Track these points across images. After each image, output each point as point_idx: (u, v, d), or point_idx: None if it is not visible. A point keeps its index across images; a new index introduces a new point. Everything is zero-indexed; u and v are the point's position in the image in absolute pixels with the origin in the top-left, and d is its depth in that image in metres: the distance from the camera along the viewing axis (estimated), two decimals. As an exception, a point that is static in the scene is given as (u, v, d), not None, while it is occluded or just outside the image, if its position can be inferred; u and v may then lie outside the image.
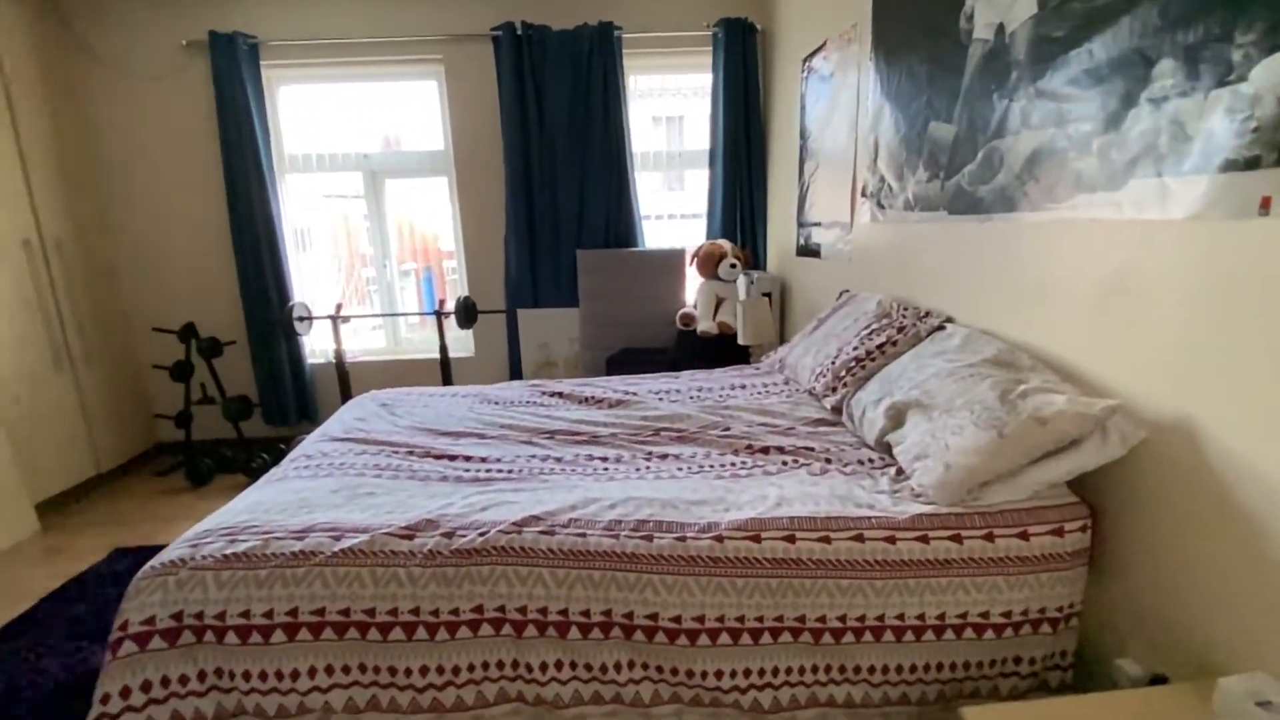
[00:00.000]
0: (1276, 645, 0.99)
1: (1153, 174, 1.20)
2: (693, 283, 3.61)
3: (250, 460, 3.34)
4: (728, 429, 1.88)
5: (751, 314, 3.04)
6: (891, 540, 1.25)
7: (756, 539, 1.24)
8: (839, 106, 2.60)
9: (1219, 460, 1.08)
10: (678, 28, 3.53)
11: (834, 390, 1.96)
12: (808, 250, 3.04)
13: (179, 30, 3.38)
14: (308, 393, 3.82)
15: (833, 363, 2.04)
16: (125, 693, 1.13)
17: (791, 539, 1.24)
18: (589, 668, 1.22)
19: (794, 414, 1.97)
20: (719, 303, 3.42)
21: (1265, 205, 1.00)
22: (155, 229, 3.61)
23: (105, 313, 3.49)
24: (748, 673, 1.23)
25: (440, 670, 1.19)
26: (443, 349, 3.44)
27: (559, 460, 1.71)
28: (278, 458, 3.34)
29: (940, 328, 1.84)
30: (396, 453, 1.74)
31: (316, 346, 3.88)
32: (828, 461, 1.61)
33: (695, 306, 3.50)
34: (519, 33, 3.43)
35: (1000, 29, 1.61)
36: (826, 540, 1.24)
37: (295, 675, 1.17)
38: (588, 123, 3.54)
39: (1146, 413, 1.22)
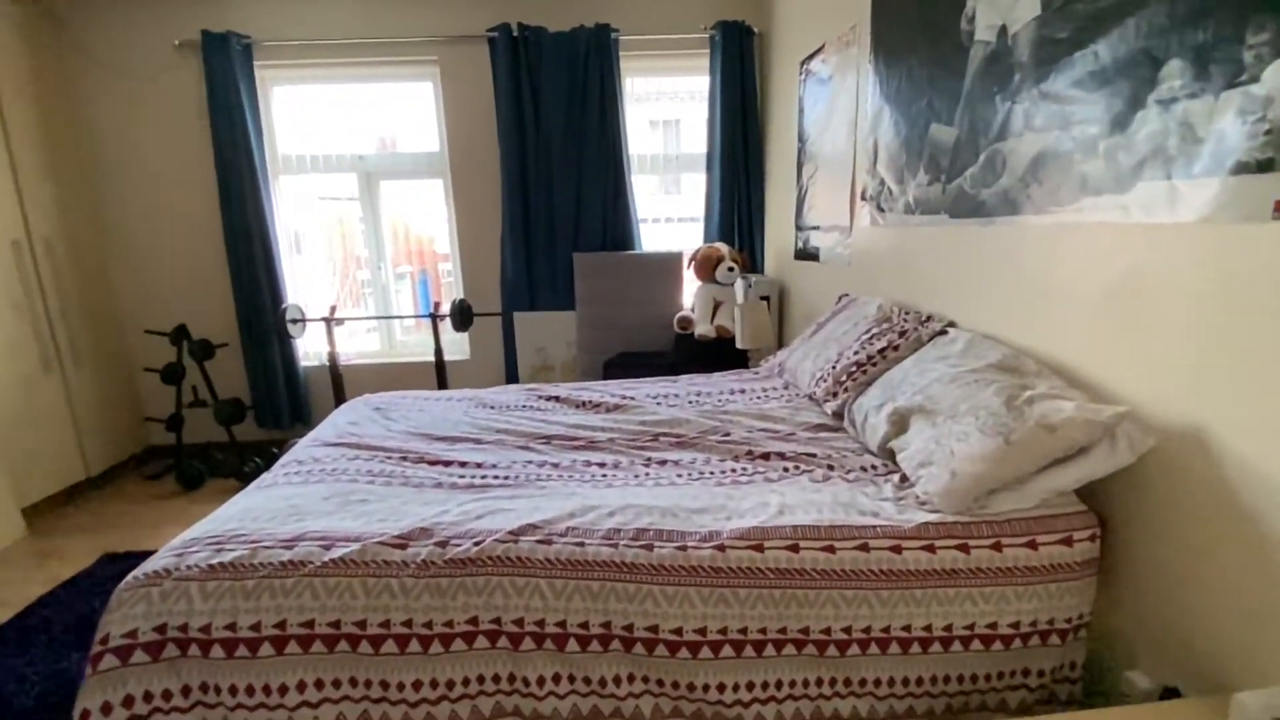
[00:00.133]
0: (1294, 659, 0.97)
1: (1161, 176, 1.18)
2: (690, 286, 3.58)
3: (242, 464, 3.30)
4: (727, 434, 1.85)
5: (750, 318, 3.01)
6: (897, 550, 1.22)
7: (759, 548, 1.21)
8: (838, 109, 2.58)
9: (1231, 468, 1.05)
10: (675, 30, 3.51)
11: (835, 395, 1.93)
12: (806, 254, 3.02)
13: (171, 30, 3.34)
14: (301, 396, 3.77)
15: (833, 367, 2.01)
16: (106, 709, 1.09)
17: (795, 548, 1.22)
18: (588, 681, 1.18)
19: (794, 419, 1.95)
20: (717, 306, 3.40)
21: (1279, 209, 0.98)
22: (147, 230, 3.56)
23: (96, 314, 3.44)
24: (750, 686, 1.20)
25: (434, 684, 1.16)
26: (438, 352, 3.41)
27: (556, 466, 1.68)
28: (270, 461, 3.30)
29: (942, 332, 1.82)
30: (390, 458, 1.71)
31: (310, 349, 3.84)
32: (830, 468, 1.58)
33: (693, 310, 3.48)
34: (515, 34, 3.41)
35: (1002, 30, 1.59)
36: (831, 550, 1.22)
37: (284, 690, 1.13)
38: (584, 125, 3.52)
39: (1155, 419, 1.20)
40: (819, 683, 1.22)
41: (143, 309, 3.61)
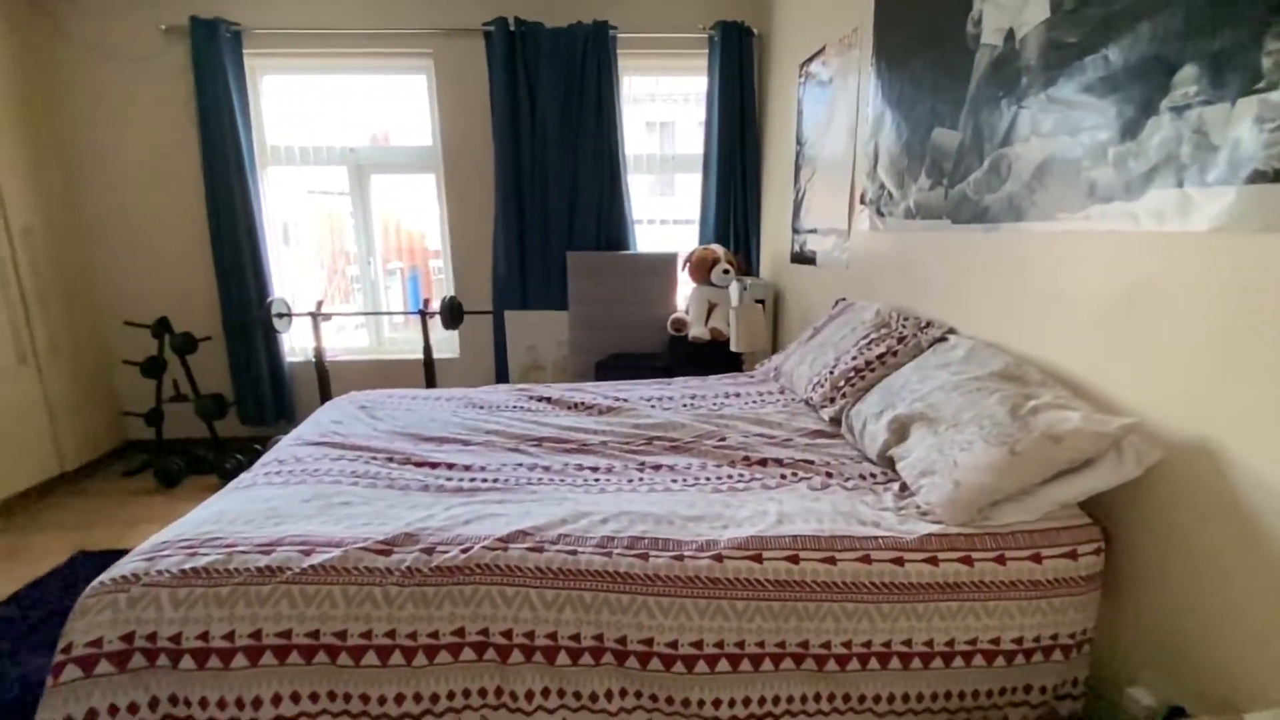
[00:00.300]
0: (1307, 681, 0.95)
1: (1173, 184, 1.15)
2: (685, 288, 3.54)
3: (224, 461, 3.22)
4: (723, 439, 1.81)
5: (745, 320, 2.98)
6: (899, 562, 1.18)
7: (758, 559, 1.17)
8: (838, 112, 2.55)
9: (1242, 482, 1.03)
10: (673, 29, 3.48)
11: (832, 401, 1.90)
12: (802, 257, 2.99)
13: (158, 14, 3.26)
14: (286, 392, 3.70)
15: (830, 372, 1.98)
16: (68, 722, 1.03)
17: (795, 559, 1.18)
18: (578, 696, 1.14)
19: (791, 424, 1.91)
20: (711, 308, 3.36)
21: (1297, 218, 0.95)
22: (129, 219, 3.47)
23: (74, 305, 3.35)
24: (747, 701, 1.16)
25: (418, 698, 1.11)
26: (427, 350, 3.34)
27: (547, 469, 1.63)
28: (253, 459, 3.22)
29: (942, 339, 1.79)
30: (375, 459, 1.65)
31: (296, 344, 3.77)
32: (828, 475, 1.55)
33: (687, 312, 3.44)
34: (512, 28, 3.36)
35: (1010, 34, 1.57)
36: (831, 561, 1.18)
37: (258, 703, 1.08)
38: (580, 123, 3.47)
39: (1163, 432, 1.17)
40: (817, 699, 1.18)
41: (123, 300, 3.51)
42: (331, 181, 3.82)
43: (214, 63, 3.25)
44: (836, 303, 2.48)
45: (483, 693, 1.12)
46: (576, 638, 1.12)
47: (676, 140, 4.02)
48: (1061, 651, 1.23)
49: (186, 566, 1.11)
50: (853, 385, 1.86)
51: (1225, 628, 1.07)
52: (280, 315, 3.20)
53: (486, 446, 1.79)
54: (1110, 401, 1.29)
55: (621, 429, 1.91)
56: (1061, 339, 1.43)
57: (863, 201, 2.34)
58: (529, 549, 1.18)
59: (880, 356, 1.87)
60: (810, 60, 2.83)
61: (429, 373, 3.36)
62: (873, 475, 1.55)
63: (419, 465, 1.63)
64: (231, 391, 3.62)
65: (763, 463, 1.64)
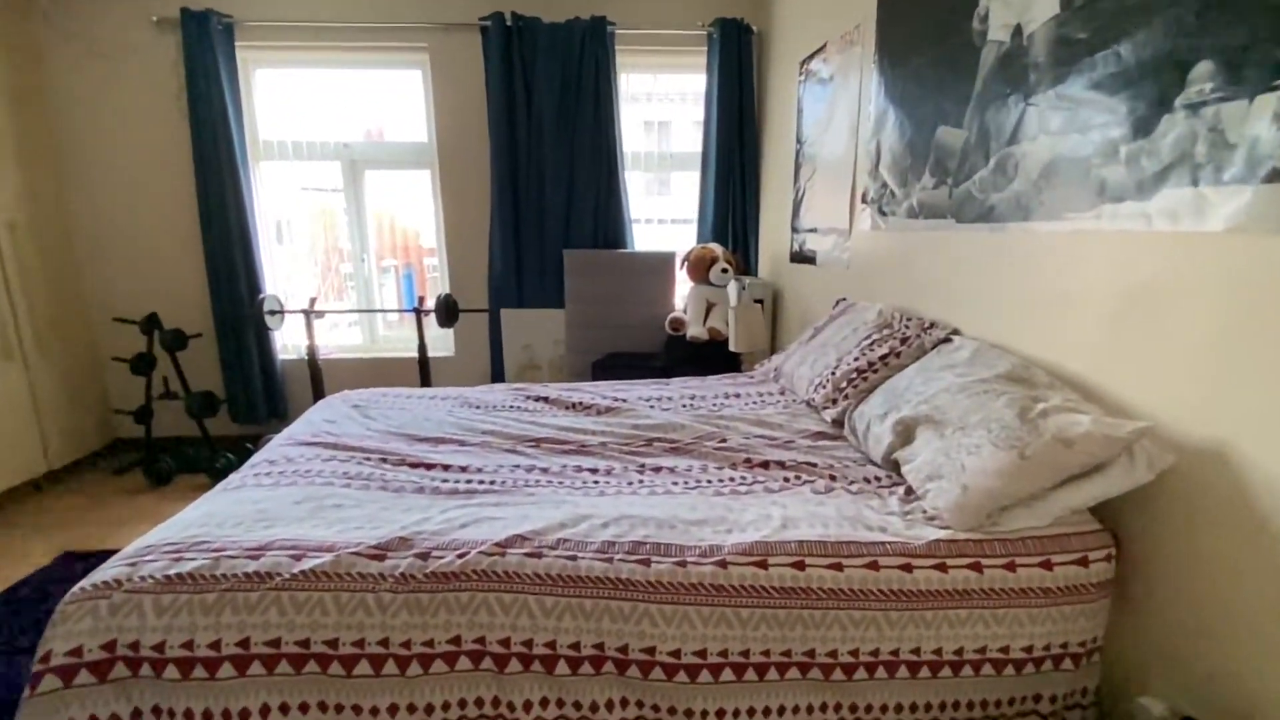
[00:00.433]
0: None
1: (1188, 183, 1.13)
2: (682, 287, 3.51)
3: (214, 460, 3.16)
4: (724, 441, 1.78)
5: (744, 320, 2.95)
6: (908, 568, 1.16)
7: (763, 565, 1.14)
8: (839, 110, 2.53)
9: (1257, 486, 1.01)
10: (672, 26, 3.44)
11: (834, 402, 1.87)
12: (802, 257, 2.97)
13: (149, 6, 3.19)
14: (278, 390, 3.64)
15: (832, 373, 1.95)
16: (46, 734, 0.99)
17: (800, 565, 1.15)
18: (578, 706, 1.10)
19: (793, 426, 1.88)
20: (709, 308, 3.33)
21: (1319, 219, 0.93)
22: (118, 213, 3.41)
23: (61, 300, 3.29)
24: (751, 712, 1.13)
25: (412, 709, 1.07)
26: (421, 348, 3.30)
27: (545, 471, 1.60)
28: (244, 458, 3.17)
29: (946, 340, 1.77)
30: (368, 460, 1.61)
31: (289, 342, 3.71)
32: (832, 479, 1.52)
33: (685, 311, 3.41)
34: (509, 24, 3.31)
35: (1017, 30, 1.54)
36: (838, 567, 1.15)
37: (245, 715, 1.04)
38: (578, 119, 3.43)
39: (1175, 436, 1.15)
40: (823, 709, 1.15)
41: (112, 296, 3.45)
42: (325, 178, 3.77)
43: (205, 55, 3.19)
44: (837, 303, 2.45)
45: (479, 703, 1.09)
46: (576, 646, 1.09)
47: (672, 140, 3.99)
48: (1072, 660, 1.21)
49: (171, 572, 1.07)
50: (855, 387, 1.84)
51: (1238, 635, 1.05)
52: (272, 312, 3.15)
53: (483, 447, 1.75)
54: (1119, 404, 1.26)
55: (621, 430, 1.88)
56: (1069, 340, 1.41)
57: (864, 200, 2.32)
58: (527, 554, 1.14)
59: (883, 358, 1.84)
60: (811, 58, 2.81)
61: (423, 371, 3.32)
62: (877, 479, 1.52)
63: (414, 466, 1.59)
64: (223, 389, 3.57)
65: (765, 465, 1.61)
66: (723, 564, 1.14)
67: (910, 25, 2.03)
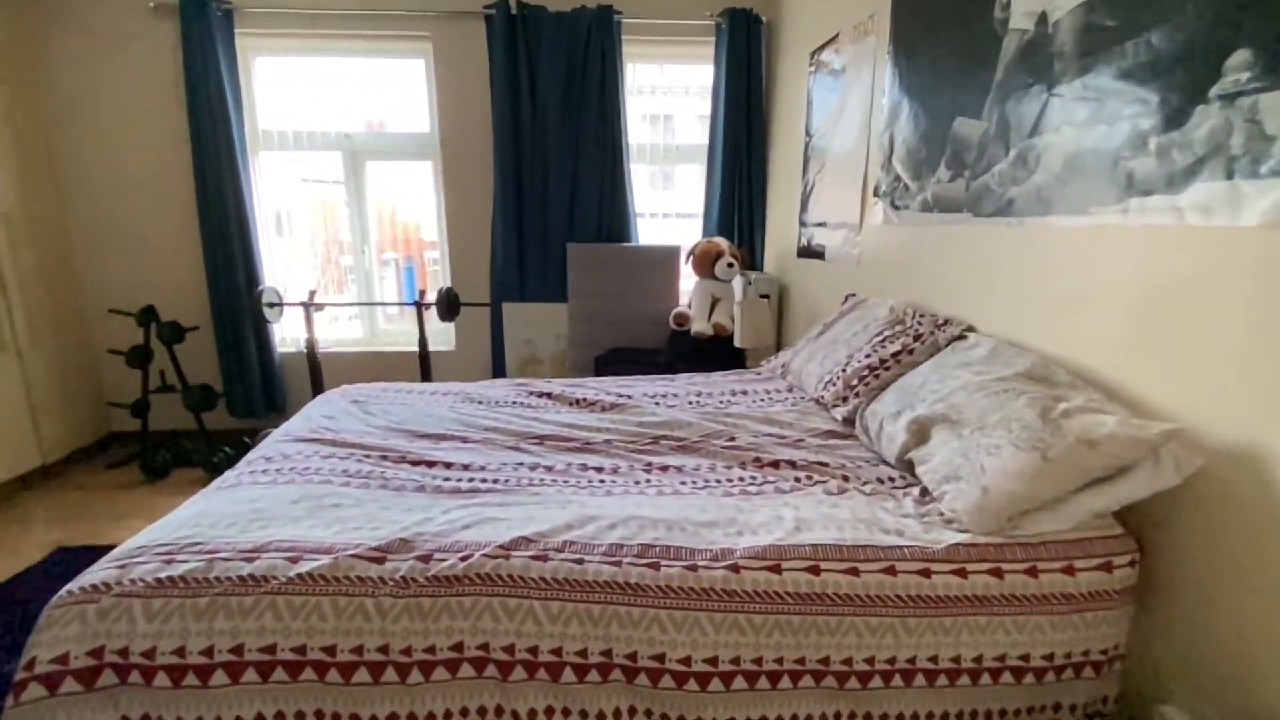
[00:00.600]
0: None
1: (1221, 176, 1.08)
2: (687, 282, 3.46)
3: (212, 454, 3.12)
4: (732, 439, 1.73)
5: (749, 316, 2.91)
6: (926, 573, 1.12)
7: (776, 569, 1.10)
8: (851, 102, 2.47)
9: (1288, 492, 0.97)
10: (679, 16, 3.38)
11: (845, 400, 1.83)
12: (810, 251, 2.92)
13: (146, -9, 3.14)
14: (276, 384, 3.60)
15: (843, 370, 1.91)
16: (31, 743, 0.95)
17: (815, 570, 1.11)
18: (584, 715, 1.06)
19: (802, 424, 1.84)
20: (714, 303, 3.28)
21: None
22: (115, 203, 3.35)
23: (57, 291, 3.23)
24: (764, 721, 1.09)
25: (412, 718, 1.03)
26: (422, 342, 3.26)
27: (550, 470, 1.56)
28: (242, 452, 3.13)
29: (961, 337, 1.72)
30: (368, 457, 1.57)
31: (288, 335, 3.67)
32: (845, 479, 1.48)
33: (690, 306, 3.36)
34: (513, 12, 3.25)
35: (1042, 18, 1.49)
36: (854, 572, 1.11)
37: (239, 723, 1.00)
38: (582, 111, 3.38)
39: (1203, 438, 1.10)
40: (837, 718, 1.11)
41: (108, 287, 3.40)
42: (326, 170, 3.71)
43: (204, 42, 3.13)
44: (847, 298, 2.41)
45: (482, 711, 1.05)
46: (583, 653, 1.05)
47: (675, 134, 3.93)
48: (1093, 668, 1.17)
49: (162, 575, 1.03)
50: (866, 384, 1.80)
51: (1264, 643, 1.02)
52: (271, 305, 3.10)
53: (485, 444, 1.71)
54: (1144, 404, 1.22)
55: (626, 427, 1.84)
56: (1091, 338, 1.36)
57: (876, 194, 2.27)
58: (532, 557, 1.10)
59: (895, 354, 1.80)
60: (822, 49, 2.75)
61: (424, 366, 3.27)
62: (891, 479, 1.48)
63: (415, 464, 1.55)
64: (220, 382, 3.52)
65: (775, 465, 1.57)
66: (735, 568, 1.10)
67: (927, 14, 1.98)
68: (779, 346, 3.28)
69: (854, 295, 2.39)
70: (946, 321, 1.80)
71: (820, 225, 2.80)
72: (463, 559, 1.09)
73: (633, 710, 1.07)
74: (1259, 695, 1.02)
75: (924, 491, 1.39)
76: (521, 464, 1.59)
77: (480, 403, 2.07)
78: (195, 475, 3.15)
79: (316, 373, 3.20)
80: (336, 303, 3.83)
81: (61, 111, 3.23)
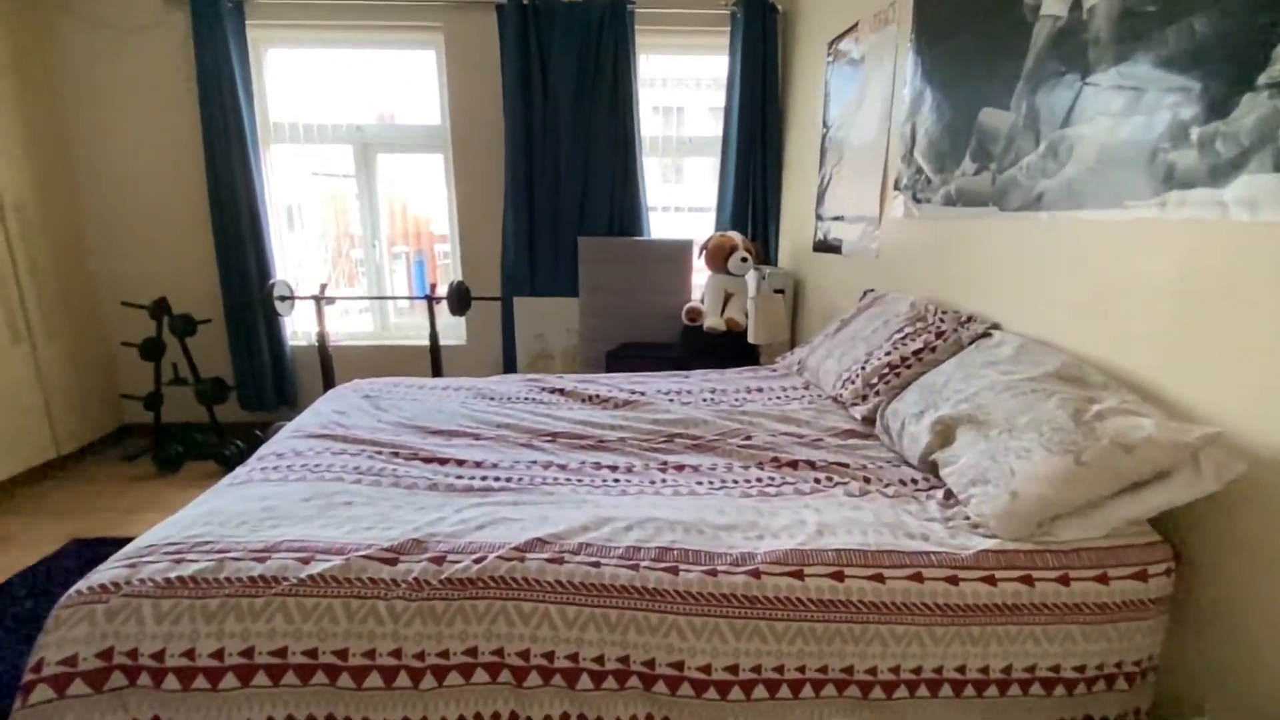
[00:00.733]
0: None
1: (1269, 169, 1.03)
2: (699, 276, 3.42)
3: (224, 447, 3.13)
4: (749, 438, 1.70)
5: (763, 311, 2.86)
6: (954, 581, 1.08)
7: (799, 575, 1.07)
8: (870, 92, 2.42)
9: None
10: (694, 5, 3.33)
11: (864, 399, 1.79)
12: (826, 246, 2.87)
13: (157, -18, 3.12)
14: (288, 377, 3.60)
15: (862, 368, 1.87)
16: (39, 746, 0.93)
17: (839, 576, 1.07)
18: (600, 723, 1.04)
19: (820, 423, 1.80)
20: (727, 298, 3.24)
21: None
22: (127, 195, 3.35)
23: (69, 283, 3.24)
24: (785, 731, 1.06)
25: (425, 723, 1.01)
26: (433, 336, 3.23)
27: (563, 468, 1.53)
28: (253, 445, 3.13)
29: (985, 335, 1.68)
30: (380, 454, 1.55)
31: (299, 328, 3.66)
32: (866, 480, 1.44)
33: (702, 301, 3.32)
34: (525, 2, 3.21)
35: (1076, 4, 1.44)
36: (879, 579, 1.07)
37: (249, 727, 0.98)
38: (595, 103, 3.34)
39: (1245, 442, 1.06)
40: (861, 728, 1.08)
41: (120, 280, 3.41)
42: (337, 163, 3.69)
43: (215, 34, 3.12)
44: (865, 294, 2.36)
45: (496, 718, 1.02)
46: (600, 659, 1.02)
47: (686, 126, 3.87)
48: (1126, 680, 1.13)
49: (172, 575, 1.01)
50: (887, 382, 1.75)
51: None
52: (282, 298, 3.09)
53: (498, 441, 1.68)
54: (1182, 407, 1.18)
55: (640, 425, 1.81)
56: (1124, 337, 1.31)
57: (897, 187, 2.22)
58: (548, 560, 1.07)
59: (917, 352, 1.76)
60: (840, 38, 2.69)
61: (435, 360, 3.25)
62: (913, 481, 1.44)
63: (426, 461, 1.53)
64: (232, 375, 3.53)
65: (794, 465, 1.53)
66: (756, 573, 1.07)
67: (952, 1, 1.92)
68: (793, 343, 3.24)
69: (872, 291, 2.34)
70: (970, 318, 1.76)
71: (837, 219, 2.75)
72: (476, 561, 1.06)
73: (650, 718, 1.04)
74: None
75: (948, 494, 1.35)
76: (534, 462, 1.56)
77: (492, 399, 2.05)
78: (207, 468, 3.15)
79: (327, 366, 3.19)
80: (347, 296, 3.82)
81: (74, 103, 3.23)
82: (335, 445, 1.58)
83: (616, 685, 1.03)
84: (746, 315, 3.07)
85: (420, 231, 4.04)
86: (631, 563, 1.08)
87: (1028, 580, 1.09)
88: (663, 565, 1.08)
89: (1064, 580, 1.10)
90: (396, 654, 1.00)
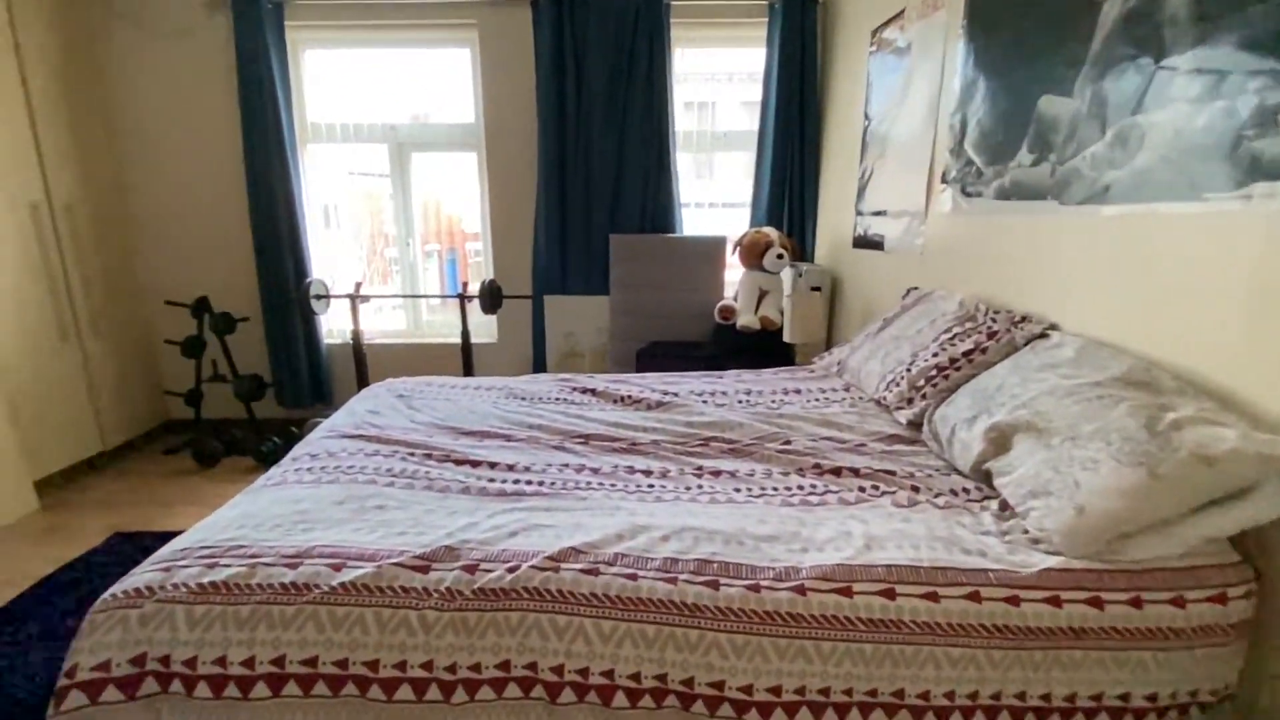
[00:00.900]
0: None
1: (1375, 156, 0.93)
2: (733, 273, 3.35)
3: (261, 443, 3.17)
4: (788, 443, 1.64)
5: (800, 309, 2.79)
6: (1014, 601, 1.01)
7: (847, 592, 1.01)
8: (917, 82, 2.32)
9: None
10: (731, -2, 3.26)
11: (910, 402, 1.71)
12: (867, 242, 2.77)
13: (199, -15, 3.17)
14: (323, 374, 3.64)
15: (907, 370, 1.79)
16: (72, 754, 0.93)
17: (890, 594, 1.01)
18: (637, 743, 1.00)
19: (863, 427, 1.73)
20: (762, 296, 3.17)
21: None
22: (170, 196, 3.43)
23: (115, 282, 3.32)
24: (830, 757, 1.00)
25: (456, 738, 0.98)
26: (465, 334, 3.23)
27: (596, 472, 1.49)
28: (290, 441, 3.17)
29: (1042, 335, 1.58)
30: (413, 455, 1.53)
31: (334, 326, 3.70)
32: (914, 490, 1.37)
33: (736, 299, 3.25)
34: (560, -3, 3.18)
35: (1147, -18, 1.34)
36: (934, 598, 1.01)
37: (280, 737, 0.96)
38: (629, 99, 3.29)
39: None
40: (912, 756, 1.02)
41: (164, 279, 3.49)
42: (372, 163, 3.72)
43: (256, 35, 3.16)
44: (908, 292, 2.27)
45: (529, 733, 0.99)
46: (636, 677, 0.98)
47: (717, 121, 3.80)
48: (1200, 709, 1.05)
49: (205, 580, 1.00)
50: (934, 385, 1.67)
51: None
52: (318, 296, 3.12)
53: (530, 443, 1.65)
54: (1263, 417, 1.08)
55: (673, 427, 1.76)
56: (1200, 340, 1.22)
57: (944, 180, 2.12)
58: (583, 570, 1.04)
59: (967, 353, 1.67)
60: (885, 26, 2.59)
61: (466, 358, 3.25)
62: (965, 490, 1.37)
63: (459, 463, 1.50)
64: (269, 373, 3.58)
65: (836, 472, 1.47)
66: (801, 590, 1.01)
67: (1007, -16, 1.82)
68: (830, 342, 3.15)
69: (916, 289, 2.25)
70: (1024, 318, 1.66)
71: (879, 214, 2.65)
72: (510, 570, 1.03)
73: (688, 739, 1.00)
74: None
75: (1004, 505, 1.28)
76: (567, 465, 1.52)
77: (523, 399, 2.02)
78: (245, 464, 3.21)
79: (362, 363, 3.21)
80: (381, 294, 3.85)
81: (122, 107, 3.31)
82: (368, 446, 1.57)
83: (654, 704, 0.98)
84: (781, 313, 3.00)
85: (452, 230, 4.06)
86: (669, 575, 1.04)
87: (1096, 602, 1.01)
88: (702, 579, 1.03)
89: (1136, 603, 1.01)
90: (428, 666, 0.97)
